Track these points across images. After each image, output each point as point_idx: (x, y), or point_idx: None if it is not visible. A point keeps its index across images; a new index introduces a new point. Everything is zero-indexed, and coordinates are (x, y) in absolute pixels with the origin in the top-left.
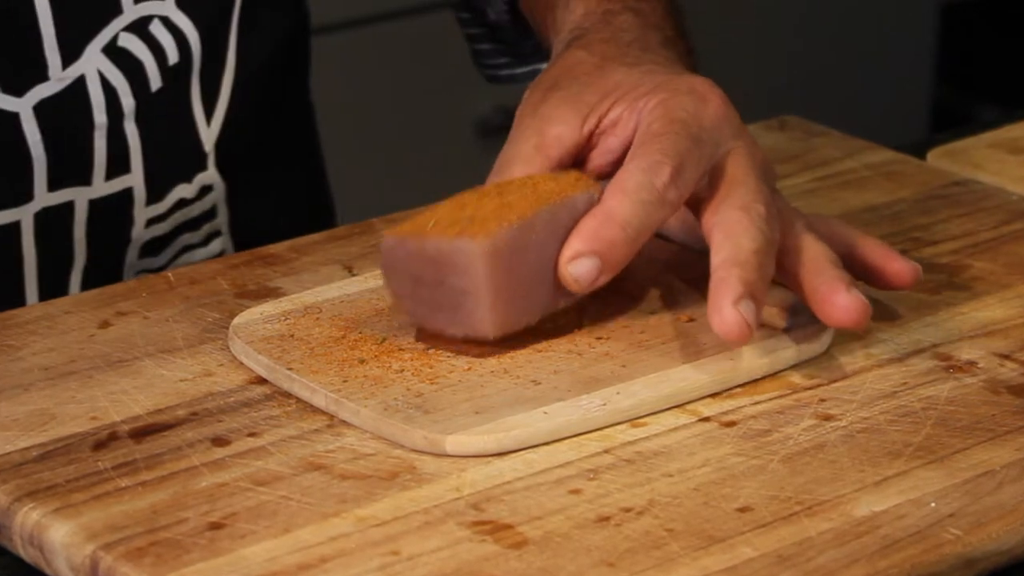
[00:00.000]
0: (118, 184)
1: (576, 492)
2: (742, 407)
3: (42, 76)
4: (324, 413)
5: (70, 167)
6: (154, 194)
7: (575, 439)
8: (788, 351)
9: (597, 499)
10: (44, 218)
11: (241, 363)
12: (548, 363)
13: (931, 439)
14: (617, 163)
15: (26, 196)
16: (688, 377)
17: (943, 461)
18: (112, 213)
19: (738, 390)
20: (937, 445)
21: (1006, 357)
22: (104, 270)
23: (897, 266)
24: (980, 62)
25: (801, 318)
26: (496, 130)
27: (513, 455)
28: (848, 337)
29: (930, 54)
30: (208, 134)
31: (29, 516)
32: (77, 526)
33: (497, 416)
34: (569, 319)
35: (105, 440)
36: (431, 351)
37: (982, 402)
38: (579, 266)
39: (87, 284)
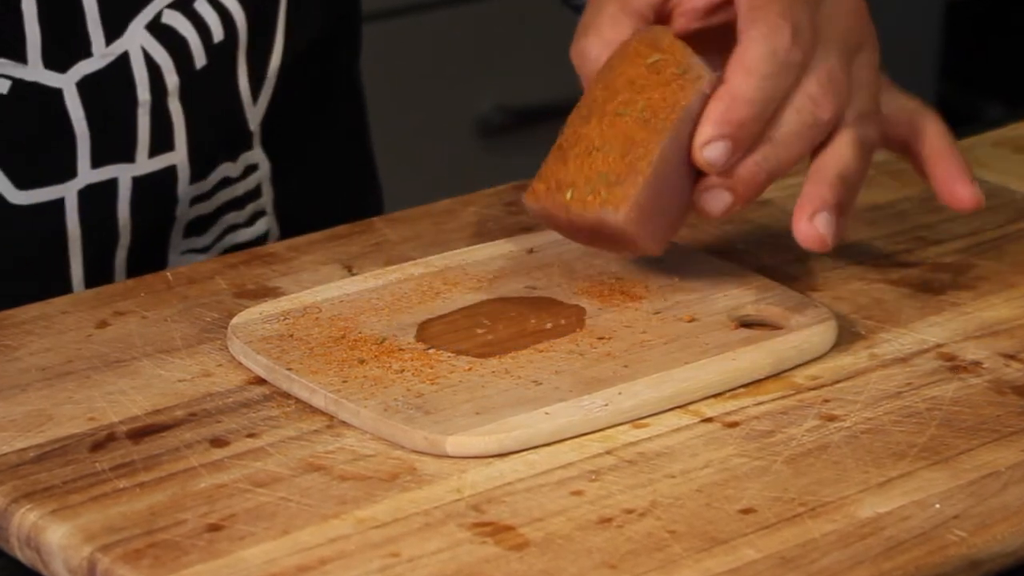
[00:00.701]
0: (162, 162)
1: (578, 493)
2: (745, 408)
3: (85, 52)
4: (324, 414)
5: (113, 144)
6: (198, 172)
7: (577, 440)
8: (791, 351)
9: (599, 500)
10: (88, 195)
11: (240, 363)
12: (549, 363)
13: (936, 440)
14: (706, 9)
15: (70, 172)
16: (691, 377)
17: (948, 462)
18: (156, 191)
19: (741, 390)
20: (942, 446)
21: (1011, 357)
22: (149, 250)
23: (961, 191)
24: (985, 60)
25: (805, 317)
26: (496, 129)
27: (514, 456)
28: (852, 337)
29: (935, 52)
30: (254, 113)
31: (26, 517)
32: (75, 528)
33: (498, 417)
34: (570, 321)
35: (103, 441)
36: (431, 351)
37: (987, 403)
38: (713, 150)
39: (132, 264)
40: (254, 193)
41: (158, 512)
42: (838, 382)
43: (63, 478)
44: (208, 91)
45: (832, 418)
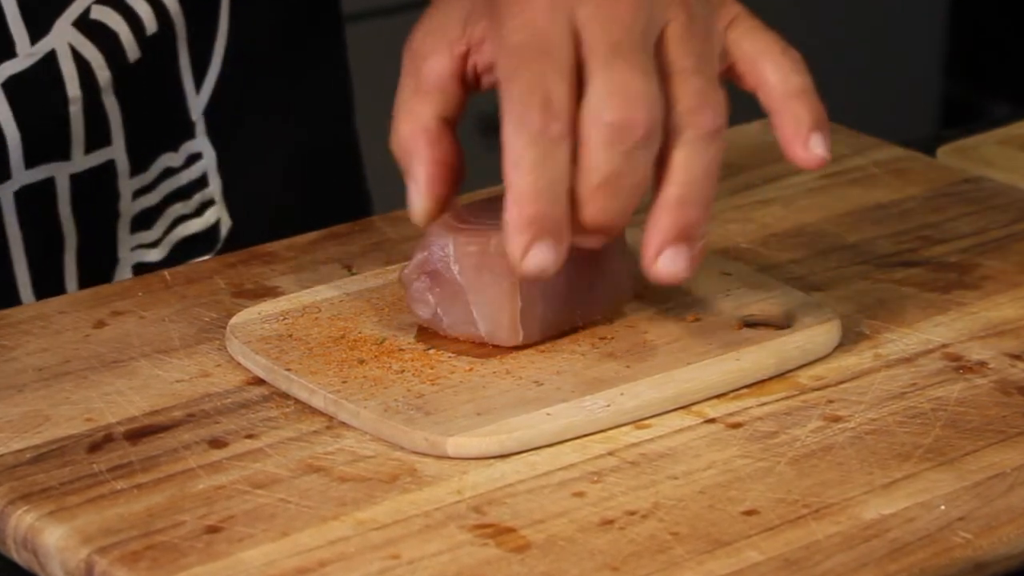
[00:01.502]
0: (99, 157)
1: (579, 495)
2: (748, 408)
3: (9, 53)
4: (323, 414)
5: (46, 143)
6: (138, 165)
7: (578, 441)
8: (795, 351)
9: (601, 502)
10: (25, 196)
11: (239, 363)
12: (551, 364)
13: (941, 441)
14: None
15: (3, 174)
16: (693, 378)
17: (953, 463)
18: (96, 187)
19: (744, 391)
20: (947, 447)
21: (1017, 357)
22: (97, 248)
23: (797, 152)
24: (990, 57)
25: (809, 317)
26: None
27: (515, 457)
28: (856, 338)
29: (940, 50)
30: (196, 102)
31: (23, 519)
32: (72, 529)
33: (499, 417)
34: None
35: (100, 442)
36: (432, 351)
37: (993, 403)
38: (533, 258)
39: (82, 264)
40: (199, 183)
41: (156, 514)
42: (842, 382)
43: (60, 479)
44: (144, 84)
45: (836, 419)
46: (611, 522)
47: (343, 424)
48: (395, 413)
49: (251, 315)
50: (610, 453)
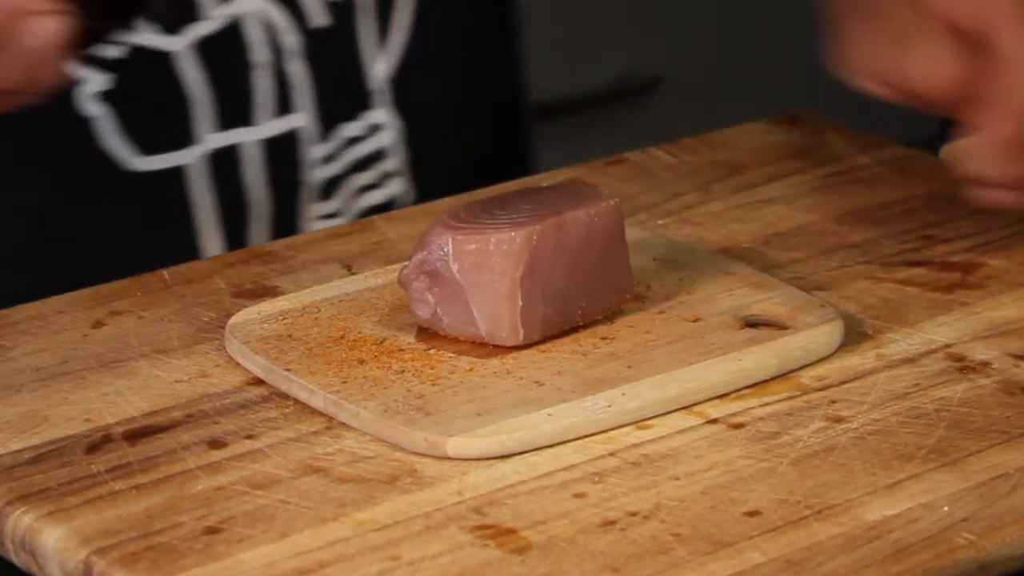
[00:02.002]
0: (284, 124)
1: (580, 496)
2: (750, 408)
3: (199, 15)
4: (323, 415)
5: (234, 107)
6: (322, 133)
7: (579, 441)
8: (797, 351)
9: (602, 503)
10: (213, 161)
11: (238, 364)
12: (552, 364)
13: (944, 441)
14: None
15: (191, 138)
16: (695, 378)
17: (956, 464)
18: (281, 153)
19: (746, 391)
20: (950, 447)
21: (1021, 358)
22: (281, 217)
23: None
24: None
25: (811, 317)
26: None
27: (516, 458)
28: (859, 338)
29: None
30: (379, 71)
31: (21, 520)
32: (70, 530)
33: (500, 418)
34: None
35: (99, 442)
36: (432, 351)
37: (996, 403)
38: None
39: (267, 232)
40: (381, 154)
41: (155, 515)
42: (845, 383)
43: (58, 480)
44: (328, 52)
45: (839, 419)
46: (612, 523)
47: (343, 424)
48: (395, 413)
49: (250, 315)
50: (611, 454)
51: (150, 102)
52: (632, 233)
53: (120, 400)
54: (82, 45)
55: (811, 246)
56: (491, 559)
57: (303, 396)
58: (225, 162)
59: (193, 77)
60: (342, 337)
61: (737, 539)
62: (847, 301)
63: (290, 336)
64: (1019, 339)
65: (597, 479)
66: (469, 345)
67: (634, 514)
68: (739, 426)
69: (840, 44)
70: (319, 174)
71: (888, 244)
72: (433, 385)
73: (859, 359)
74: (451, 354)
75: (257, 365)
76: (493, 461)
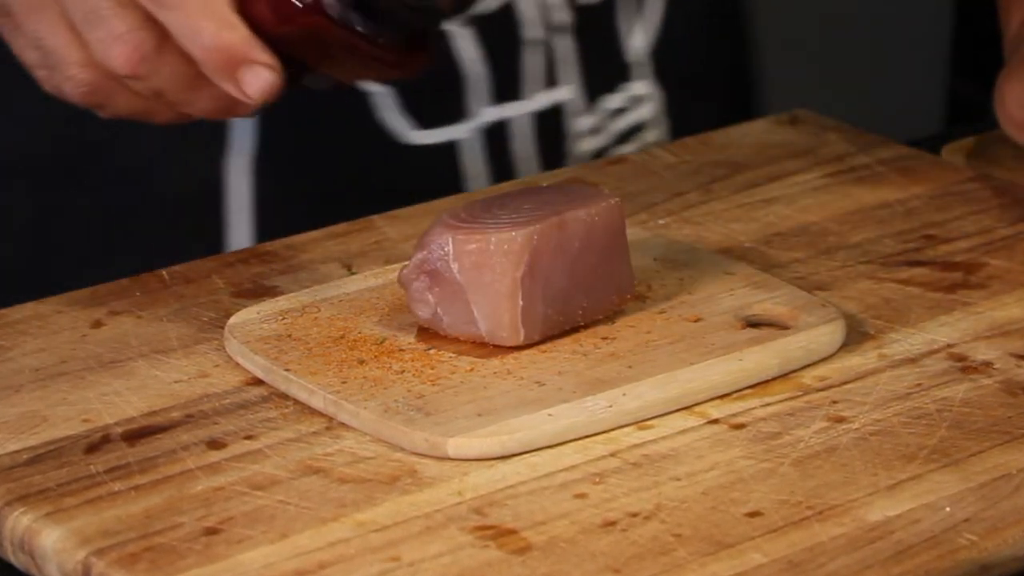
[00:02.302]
0: (551, 97)
1: (581, 496)
2: (752, 409)
3: None
4: (322, 415)
5: (506, 83)
6: (586, 105)
7: (580, 442)
8: (799, 351)
9: (603, 503)
10: (485, 134)
11: (237, 364)
12: (552, 364)
13: (946, 442)
14: None
15: (466, 112)
16: (696, 378)
17: (958, 464)
18: (548, 126)
19: (747, 391)
20: (952, 448)
21: (1023, 358)
22: None
23: None
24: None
25: (813, 317)
26: None
27: (516, 458)
28: (861, 338)
29: (946, 47)
30: (639, 44)
31: (19, 521)
32: (69, 531)
33: (500, 418)
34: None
35: (98, 443)
36: (432, 351)
37: (998, 404)
38: None
39: None
40: (643, 125)
41: (154, 515)
42: (846, 383)
43: (57, 481)
44: (595, 26)
45: (840, 420)
46: (613, 524)
47: (343, 425)
48: (395, 414)
49: (250, 315)
50: (612, 454)
51: (428, 78)
52: (633, 233)
53: (119, 400)
54: (281, 91)
55: (812, 246)
56: (491, 560)
57: (303, 396)
58: (496, 135)
59: (470, 54)
60: (342, 337)
61: (738, 540)
62: (849, 301)
63: (290, 336)
64: (1021, 339)
65: (598, 479)
66: (469, 345)
67: (635, 515)
68: (740, 426)
69: (1002, 93)
70: (584, 146)
71: (890, 244)
72: (433, 385)
73: (861, 359)
74: (451, 354)
75: (256, 365)
76: (493, 461)
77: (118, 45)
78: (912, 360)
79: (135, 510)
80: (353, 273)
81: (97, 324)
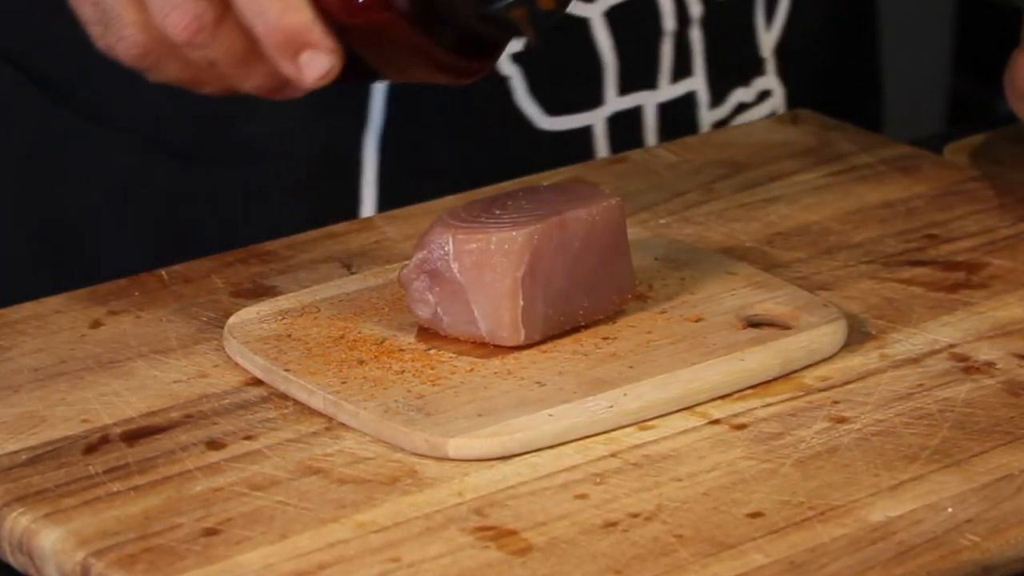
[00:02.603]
0: (682, 87)
1: (582, 497)
2: (753, 409)
3: None
4: (322, 415)
5: (638, 71)
6: (715, 97)
7: (581, 442)
8: (800, 351)
9: (604, 504)
10: (615, 122)
11: (237, 364)
12: (553, 364)
13: (948, 442)
14: None
15: (597, 100)
16: (697, 378)
17: (960, 465)
18: (678, 117)
19: (749, 392)
20: (954, 448)
21: None
22: None
23: None
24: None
25: (814, 317)
26: None
27: (517, 459)
28: (863, 338)
29: (948, 46)
30: (767, 39)
31: (18, 522)
32: (67, 532)
33: (501, 418)
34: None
35: (96, 443)
36: (432, 351)
37: (1001, 404)
38: None
39: None
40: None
41: (153, 516)
42: (848, 383)
43: (56, 481)
44: (727, 18)
45: (842, 420)
46: (614, 524)
47: (342, 425)
48: (395, 414)
49: (249, 315)
50: (613, 454)
51: (561, 64)
52: (634, 232)
53: (118, 401)
54: (338, 80)
55: (814, 245)
56: (492, 561)
57: (302, 397)
58: (626, 124)
59: (604, 43)
60: (342, 337)
61: (740, 540)
62: (850, 301)
63: (289, 336)
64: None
65: (599, 480)
66: (470, 345)
67: (636, 515)
68: (741, 427)
69: (1014, 66)
70: None
71: (892, 243)
72: (433, 385)
73: (862, 359)
74: (451, 354)
75: (256, 365)
76: (494, 462)
77: (178, 12)
78: (914, 360)
79: (134, 511)
80: (353, 273)
81: (96, 324)
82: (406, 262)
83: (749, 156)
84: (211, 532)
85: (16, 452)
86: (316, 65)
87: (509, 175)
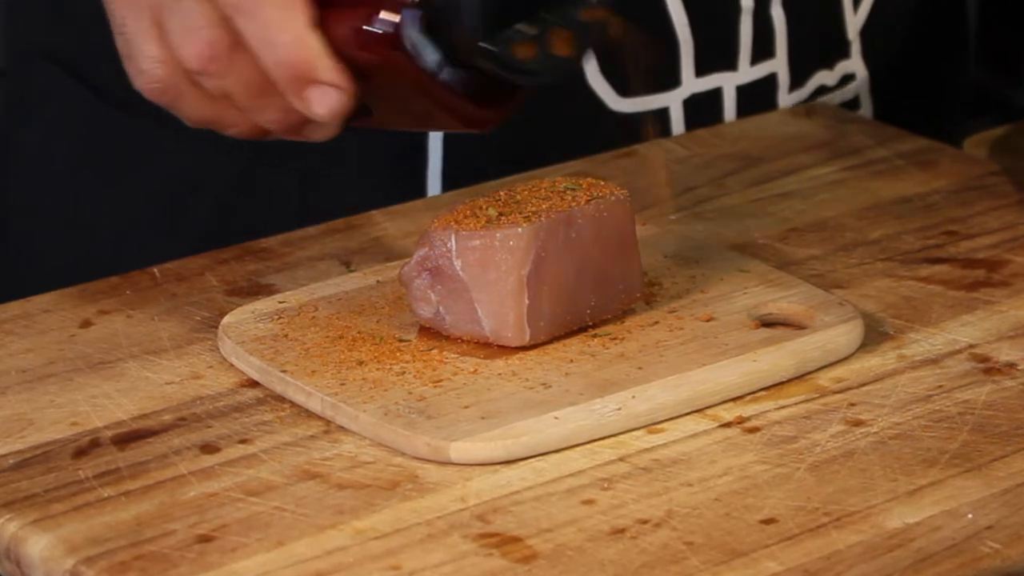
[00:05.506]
0: (762, 69)
1: (589, 503)
2: (766, 412)
3: None
4: (320, 418)
5: (716, 51)
6: (796, 80)
7: (588, 446)
8: (815, 352)
9: (611, 510)
10: (692, 104)
11: (231, 365)
12: (559, 365)
13: (968, 446)
14: None
15: (674, 81)
16: (708, 380)
17: (981, 469)
18: (757, 99)
19: (762, 393)
20: (974, 452)
21: None
22: None
23: None
24: (1019, 44)
25: (830, 316)
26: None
27: (522, 463)
28: (880, 338)
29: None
30: (853, 21)
31: (6, 528)
32: (56, 539)
33: (505, 421)
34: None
35: (86, 447)
36: (434, 352)
37: (1022, 406)
38: None
39: None
40: (851, 104)
41: (145, 522)
42: (864, 385)
43: (45, 486)
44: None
45: (858, 423)
46: (622, 531)
47: (341, 428)
48: (396, 417)
49: (244, 314)
50: (621, 459)
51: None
52: (642, 229)
53: (108, 403)
54: (349, 120)
55: (829, 242)
56: (495, 569)
57: (300, 399)
58: (704, 106)
59: (680, 20)
60: (340, 337)
61: (752, 548)
62: (867, 300)
63: (286, 336)
64: None
65: (606, 485)
66: (473, 345)
67: (645, 522)
68: (754, 430)
69: None
70: None
71: (909, 240)
72: (435, 387)
73: (879, 360)
74: (454, 355)
75: (252, 366)
76: (498, 466)
77: (193, 38)
78: (933, 361)
79: (125, 517)
80: (352, 271)
81: (86, 324)
82: (407, 259)
83: (762, 150)
84: (205, 539)
85: (3, 456)
86: (324, 100)
87: (578, 157)
